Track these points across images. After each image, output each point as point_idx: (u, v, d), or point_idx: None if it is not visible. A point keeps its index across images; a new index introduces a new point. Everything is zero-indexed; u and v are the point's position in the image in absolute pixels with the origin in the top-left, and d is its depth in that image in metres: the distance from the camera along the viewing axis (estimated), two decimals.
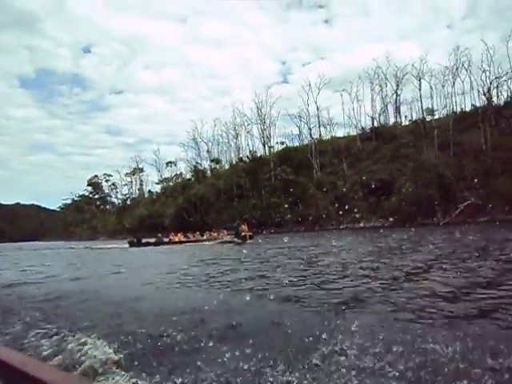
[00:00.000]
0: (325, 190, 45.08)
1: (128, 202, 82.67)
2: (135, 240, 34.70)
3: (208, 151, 69.99)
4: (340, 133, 62.75)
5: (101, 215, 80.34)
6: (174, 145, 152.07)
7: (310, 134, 58.45)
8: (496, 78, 45.92)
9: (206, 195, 54.50)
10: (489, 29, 79.98)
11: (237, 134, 65.98)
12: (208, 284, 8.66)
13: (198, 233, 35.60)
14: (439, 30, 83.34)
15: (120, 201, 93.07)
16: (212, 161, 66.85)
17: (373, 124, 57.50)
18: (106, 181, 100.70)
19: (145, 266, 15.03)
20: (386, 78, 55.86)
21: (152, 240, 34.55)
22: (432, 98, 54.18)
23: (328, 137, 62.72)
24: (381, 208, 42.16)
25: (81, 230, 79.69)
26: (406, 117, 57.29)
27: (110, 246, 34.92)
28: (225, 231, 33.26)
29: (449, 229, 27.48)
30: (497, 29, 79.75)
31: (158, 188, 79.47)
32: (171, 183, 72.35)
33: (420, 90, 53.62)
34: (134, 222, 67.17)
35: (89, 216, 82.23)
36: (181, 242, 32.44)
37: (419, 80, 52.81)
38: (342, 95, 61.07)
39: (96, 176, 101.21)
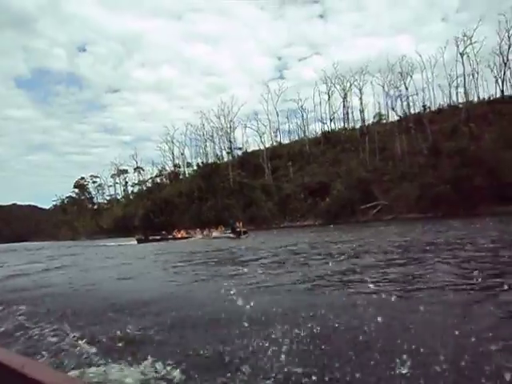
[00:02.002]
0: (272, 191, 50.30)
1: (107, 204, 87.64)
2: (143, 237, 39.01)
3: (182, 154, 75.28)
4: (296, 137, 67.52)
5: (82, 216, 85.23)
6: (169, 142, 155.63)
7: (261, 141, 63.29)
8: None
9: (169, 198, 59.51)
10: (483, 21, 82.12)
11: (205, 140, 70.95)
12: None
13: (198, 229, 40.17)
14: (434, 23, 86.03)
15: (106, 202, 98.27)
16: (176, 166, 71.80)
17: (323, 129, 62.63)
18: (93, 182, 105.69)
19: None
20: (335, 87, 60.68)
21: (158, 237, 39.08)
22: (378, 104, 59.27)
23: (288, 141, 67.73)
24: (317, 208, 47.18)
25: (64, 231, 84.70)
26: (354, 122, 62.16)
27: (123, 243, 36.14)
28: (222, 227, 37.44)
29: (358, 226, 32.88)
30: (492, 21, 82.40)
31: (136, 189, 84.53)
32: (145, 185, 77.26)
33: (361, 98, 58.45)
34: (110, 223, 72.21)
35: (70, 217, 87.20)
36: (183, 238, 36.82)
37: (360, 90, 57.64)
38: (297, 102, 65.76)
39: (83, 178, 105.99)
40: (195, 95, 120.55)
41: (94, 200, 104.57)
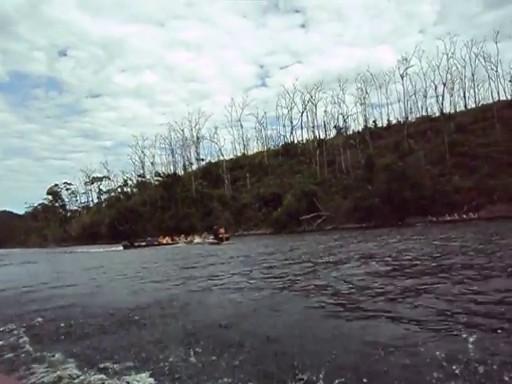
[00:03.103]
0: (228, 201, 52.92)
1: (76, 211, 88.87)
2: (129, 243, 40.39)
3: (152, 164, 77.35)
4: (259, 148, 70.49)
5: (52, 223, 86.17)
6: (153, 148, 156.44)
7: (221, 153, 66.10)
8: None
9: (134, 206, 61.59)
10: (458, 34, 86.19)
11: (172, 150, 73.32)
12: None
13: (182, 235, 41.93)
14: (413, 35, 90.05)
15: (78, 209, 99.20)
16: (141, 176, 73.91)
17: (285, 141, 65.74)
18: (67, 189, 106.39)
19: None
20: (294, 102, 63.97)
21: (143, 243, 40.64)
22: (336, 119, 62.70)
23: (252, 152, 70.63)
24: (269, 218, 49.97)
25: (33, 238, 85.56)
26: (312, 134, 65.44)
27: (111, 249, 37.14)
28: (205, 233, 39.21)
29: (305, 235, 35.78)
30: (466, 34, 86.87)
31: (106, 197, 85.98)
32: (114, 194, 78.93)
33: (316, 113, 61.87)
34: (79, 231, 73.64)
35: (40, 225, 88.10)
36: (168, 244, 38.36)
37: (315, 106, 61.07)
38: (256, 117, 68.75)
39: (56, 185, 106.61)
40: (177, 101, 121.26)
41: (68, 207, 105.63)
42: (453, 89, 54.78)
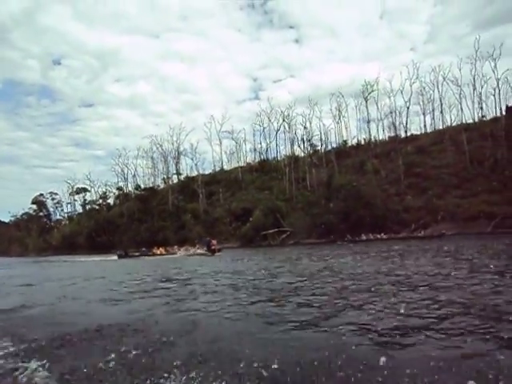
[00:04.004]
0: (200, 215, 54.89)
1: (58, 222, 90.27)
2: (123, 253, 41.53)
3: (134, 176, 79.33)
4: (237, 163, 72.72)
5: (34, 233, 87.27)
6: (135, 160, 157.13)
7: (196, 169, 68.40)
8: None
9: (111, 218, 63.33)
10: (447, 53, 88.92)
11: (153, 164, 75.41)
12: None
13: (176, 246, 43.40)
14: (404, 53, 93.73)
15: (62, 219, 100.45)
16: (119, 189, 75.91)
17: (260, 158, 68.26)
18: (52, 199, 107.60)
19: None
20: (269, 120, 66.50)
21: (137, 253, 41.90)
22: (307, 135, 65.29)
23: (230, 167, 72.88)
24: (239, 232, 51.93)
25: (14, 247, 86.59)
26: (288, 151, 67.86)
27: (108, 259, 38.20)
28: (197, 246, 40.66)
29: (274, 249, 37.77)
30: (455, 53, 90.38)
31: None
32: (95, 205, 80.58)
33: (289, 131, 64.45)
34: (59, 240, 74.93)
35: (22, 234, 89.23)
36: (161, 254, 39.44)
37: (288, 124, 63.71)
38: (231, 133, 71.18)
39: (41, 194, 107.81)
40: (170, 112, 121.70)
41: (53, 217, 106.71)
42: (424, 112, 57.92)
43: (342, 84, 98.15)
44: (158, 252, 40.99)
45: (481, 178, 39.04)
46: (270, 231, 44.13)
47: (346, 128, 63.50)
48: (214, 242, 35.80)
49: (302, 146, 62.40)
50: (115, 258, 39.18)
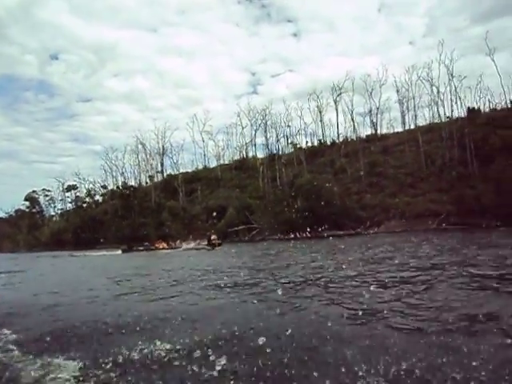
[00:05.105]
0: (179, 212, 57.54)
1: (48, 218, 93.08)
2: (127, 248, 43.75)
3: (122, 174, 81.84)
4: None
5: (26, 229, 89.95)
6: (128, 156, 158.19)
7: (177, 167, 70.83)
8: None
9: (95, 215, 66.04)
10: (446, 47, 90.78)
11: (139, 163, 77.84)
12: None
13: (178, 241, 45.21)
14: (402, 47, 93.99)
15: (54, 215, 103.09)
16: (104, 187, 78.59)
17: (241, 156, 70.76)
18: (45, 196, 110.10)
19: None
20: (249, 120, 68.93)
21: (141, 247, 44.04)
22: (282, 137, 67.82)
23: (213, 165, 75.38)
24: (215, 229, 54.56)
25: (6, 243, 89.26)
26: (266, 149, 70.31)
27: (113, 253, 40.09)
28: (198, 240, 42.14)
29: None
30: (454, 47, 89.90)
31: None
32: (79, 203, 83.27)
33: (266, 131, 66.93)
34: (49, 237, 77.70)
35: (12, 230, 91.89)
36: (164, 249, 41.26)
37: (265, 124, 66.14)
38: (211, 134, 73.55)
39: (34, 191, 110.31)
40: (168, 107, 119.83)
41: (46, 213, 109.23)
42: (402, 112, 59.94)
43: (340, 78, 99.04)
44: (161, 246, 42.43)
45: (433, 177, 41.62)
46: (239, 228, 46.76)
47: (326, 126, 65.59)
48: (214, 236, 37.08)
49: (277, 145, 64.99)
50: (119, 252, 40.84)
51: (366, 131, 60.80)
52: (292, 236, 43.11)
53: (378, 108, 57.67)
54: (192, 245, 40.94)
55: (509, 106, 48.38)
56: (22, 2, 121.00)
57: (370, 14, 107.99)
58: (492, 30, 70.61)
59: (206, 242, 37.34)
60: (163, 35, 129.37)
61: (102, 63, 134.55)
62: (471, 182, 38.36)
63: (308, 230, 41.66)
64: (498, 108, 50.86)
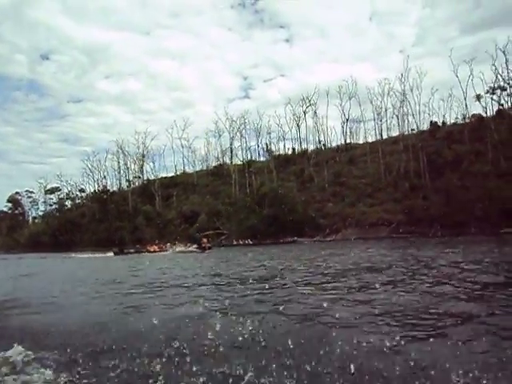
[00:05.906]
0: (153, 217, 59.24)
1: (27, 220, 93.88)
2: (118, 251, 43.61)
3: (104, 178, 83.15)
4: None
5: (4, 231, 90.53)
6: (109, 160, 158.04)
7: (153, 172, 72.57)
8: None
9: (74, 218, 67.32)
10: (435, 56, 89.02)
11: (119, 167, 79.25)
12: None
13: (169, 244, 45.79)
14: (393, 55, 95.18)
15: (39, 217, 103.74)
16: (82, 190, 80.00)
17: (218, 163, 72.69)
18: (29, 197, 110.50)
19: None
20: (226, 127, 70.86)
21: (132, 250, 44.18)
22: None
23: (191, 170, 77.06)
24: (187, 233, 56.30)
25: None
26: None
27: (105, 255, 39.89)
28: (189, 243, 42.83)
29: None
30: (442, 56, 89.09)
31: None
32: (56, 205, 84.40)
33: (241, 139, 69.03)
34: (27, 239, 78.53)
35: None
36: (155, 251, 41.43)
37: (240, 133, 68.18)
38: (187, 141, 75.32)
39: (17, 193, 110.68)
40: (160, 109, 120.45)
41: (29, 215, 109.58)
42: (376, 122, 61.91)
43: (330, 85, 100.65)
44: (152, 249, 42.90)
45: (390, 188, 43.99)
46: (209, 233, 48.56)
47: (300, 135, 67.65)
48: (205, 240, 37.92)
49: (257, 153, 67.22)
50: (111, 254, 41.01)
51: (341, 141, 63.11)
52: (251, 242, 45.11)
53: (347, 119, 59.90)
54: (183, 248, 41.66)
55: (467, 120, 50.92)
56: (14, 1, 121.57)
57: (361, 21, 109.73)
58: (481, 41, 71.83)
59: (195, 246, 38.16)
60: (156, 38, 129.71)
61: (94, 64, 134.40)
62: (423, 193, 40.82)
63: (270, 237, 43.91)
64: (459, 122, 53.54)
